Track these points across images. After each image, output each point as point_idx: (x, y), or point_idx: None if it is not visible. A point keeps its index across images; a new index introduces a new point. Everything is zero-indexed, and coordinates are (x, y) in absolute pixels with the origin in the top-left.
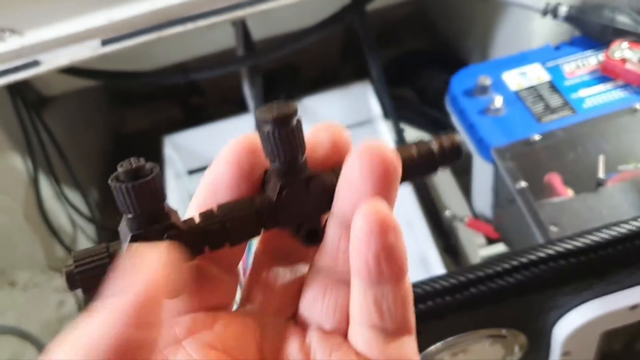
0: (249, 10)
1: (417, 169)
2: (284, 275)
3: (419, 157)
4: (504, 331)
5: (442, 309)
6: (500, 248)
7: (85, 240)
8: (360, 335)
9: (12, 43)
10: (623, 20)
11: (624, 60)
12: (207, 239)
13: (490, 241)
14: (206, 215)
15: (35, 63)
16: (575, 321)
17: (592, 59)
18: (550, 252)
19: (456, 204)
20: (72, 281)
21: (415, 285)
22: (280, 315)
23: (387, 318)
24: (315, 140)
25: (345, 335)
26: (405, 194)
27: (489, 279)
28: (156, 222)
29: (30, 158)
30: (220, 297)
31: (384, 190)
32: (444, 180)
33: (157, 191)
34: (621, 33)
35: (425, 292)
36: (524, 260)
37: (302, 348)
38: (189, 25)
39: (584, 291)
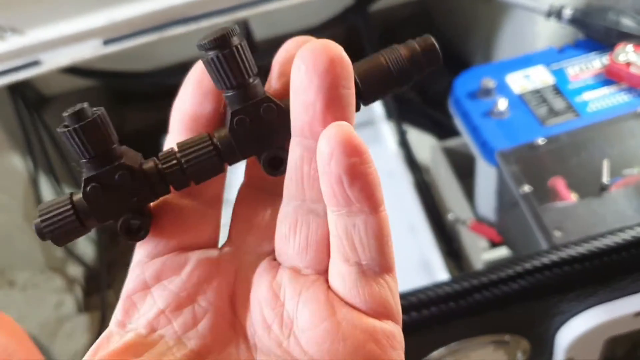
0: (251, 11)
1: (389, 78)
2: (264, 209)
3: (390, 64)
4: (507, 337)
5: (446, 314)
6: (503, 252)
7: (84, 239)
8: (336, 269)
9: (13, 42)
10: (628, 23)
11: (628, 64)
12: (169, 179)
13: (494, 245)
14: (165, 155)
15: (36, 63)
16: (579, 327)
17: (596, 62)
18: (554, 258)
19: (459, 207)
20: (41, 233)
21: (419, 291)
22: (261, 254)
23: (360, 251)
24: (285, 59)
25: (324, 273)
26: (408, 196)
27: (492, 285)
28: (109, 164)
29: (30, 157)
30: (203, 233)
31: (334, 91)
32: (446, 183)
33: (104, 131)
34: (626, 36)
35: (428, 298)
36: (527, 266)
37: (271, 287)
38: (192, 26)
39: (587, 297)
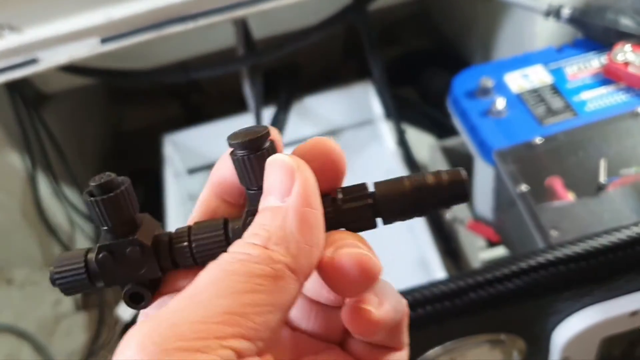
0: (250, 10)
1: (408, 204)
2: None
3: (413, 190)
4: (502, 336)
5: (441, 313)
6: (500, 251)
7: (82, 238)
8: None
9: (11, 40)
10: (626, 22)
11: (626, 64)
12: (178, 259)
13: (491, 244)
14: (179, 235)
15: (33, 61)
16: (574, 327)
17: (594, 62)
18: (550, 257)
19: (457, 207)
20: (53, 282)
21: (415, 290)
22: None
23: None
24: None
25: None
26: None
27: (488, 284)
28: (128, 234)
29: (28, 155)
30: None
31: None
32: None
33: (125, 204)
34: (624, 36)
35: (424, 297)
36: (523, 265)
37: None
38: (190, 24)
39: (583, 297)
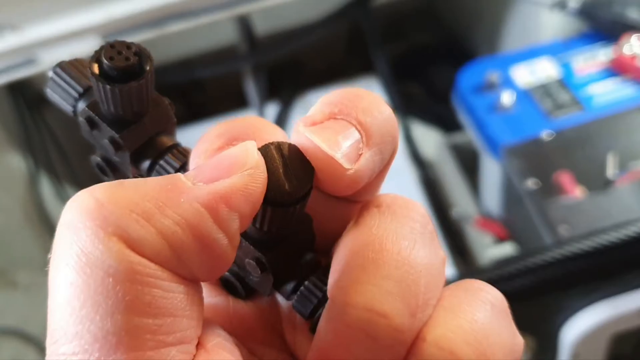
0: (252, 6)
1: None
2: None
3: None
4: None
5: None
6: (508, 248)
7: None
8: None
9: (10, 40)
10: (633, 14)
11: (634, 56)
12: None
13: (499, 240)
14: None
15: (33, 61)
16: (584, 323)
17: (601, 55)
18: (558, 254)
19: (465, 203)
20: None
21: None
22: None
23: None
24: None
25: None
26: (413, 193)
27: (495, 282)
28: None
29: (30, 156)
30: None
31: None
32: (452, 179)
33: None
34: (631, 28)
35: None
36: (531, 263)
37: None
38: (191, 21)
39: (592, 293)
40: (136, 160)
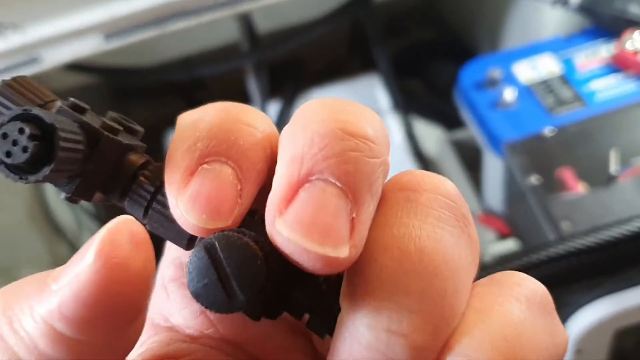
0: (254, 4)
1: None
2: None
3: None
4: None
5: None
6: (511, 244)
7: (90, 238)
8: None
9: (13, 39)
10: (635, 10)
11: (636, 52)
12: None
13: (502, 237)
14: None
15: (36, 60)
16: (586, 319)
17: (603, 50)
18: (560, 250)
19: (467, 199)
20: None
21: None
22: None
23: None
24: None
25: None
26: None
27: None
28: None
29: None
30: None
31: None
32: (454, 175)
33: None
34: (633, 23)
35: None
36: (533, 259)
37: None
38: (193, 20)
39: (595, 289)
40: (106, 192)
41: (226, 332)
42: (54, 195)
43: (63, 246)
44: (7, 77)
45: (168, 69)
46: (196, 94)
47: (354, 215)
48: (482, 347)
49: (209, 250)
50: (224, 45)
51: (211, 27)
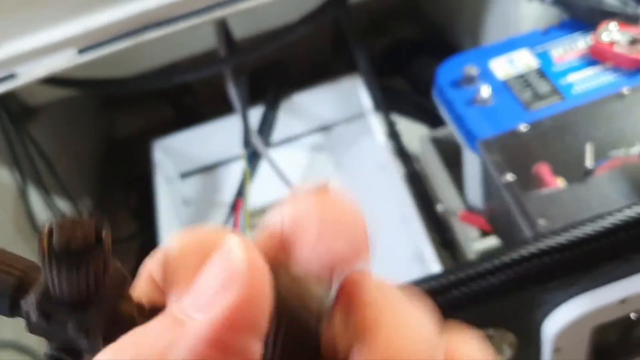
0: (228, 10)
1: None
2: None
3: None
4: (491, 331)
5: None
6: (493, 241)
7: None
8: None
9: None
10: (610, 1)
11: (612, 43)
12: None
13: (485, 234)
14: None
15: (12, 76)
16: (564, 317)
17: (580, 43)
18: (533, 249)
19: (450, 197)
20: None
21: None
22: None
23: None
24: None
25: None
26: (399, 188)
27: (470, 280)
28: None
29: (17, 170)
30: None
31: None
32: (437, 173)
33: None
34: (609, 14)
35: None
36: (505, 259)
37: None
38: (168, 29)
39: (570, 286)
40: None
41: None
42: (40, 209)
43: None
44: None
45: (147, 77)
46: (183, 98)
47: None
48: None
49: None
50: (207, 51)
51: (193, 34)
